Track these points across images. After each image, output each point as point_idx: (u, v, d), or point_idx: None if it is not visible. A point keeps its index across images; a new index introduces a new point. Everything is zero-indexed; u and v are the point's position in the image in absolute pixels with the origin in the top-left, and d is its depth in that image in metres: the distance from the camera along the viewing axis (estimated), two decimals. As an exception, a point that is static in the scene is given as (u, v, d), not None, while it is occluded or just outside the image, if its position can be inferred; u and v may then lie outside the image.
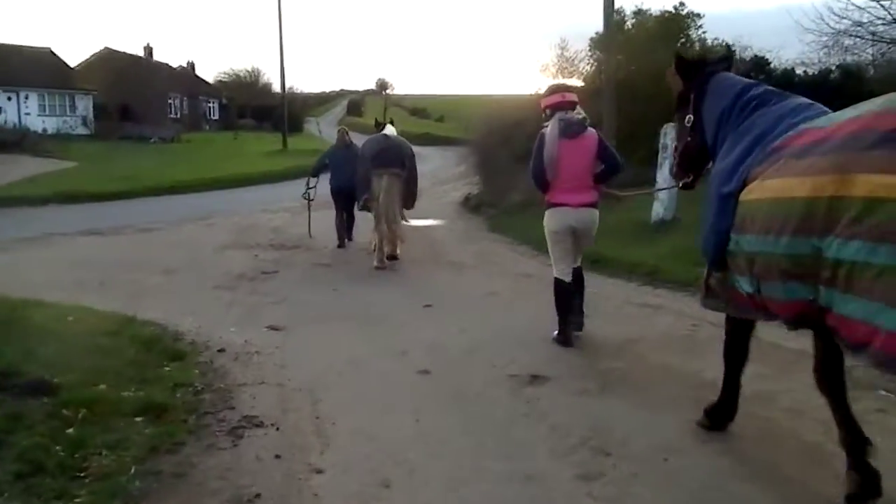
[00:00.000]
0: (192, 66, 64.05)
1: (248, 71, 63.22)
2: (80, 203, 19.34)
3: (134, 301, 7.64)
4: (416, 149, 11.66)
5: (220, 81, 66.30)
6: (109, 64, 45.68)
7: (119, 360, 5.00)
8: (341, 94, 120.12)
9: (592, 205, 5.62)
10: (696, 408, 4.11)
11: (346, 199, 11.18)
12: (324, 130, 62.15)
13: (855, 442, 3.08)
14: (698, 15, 16.79)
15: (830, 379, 3.20)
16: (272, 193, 22.17)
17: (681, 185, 4.22)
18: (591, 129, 5.61)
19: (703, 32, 17.22)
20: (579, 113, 5.60)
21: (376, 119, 11.43)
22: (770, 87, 3.59)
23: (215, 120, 60.26)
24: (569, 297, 5.72)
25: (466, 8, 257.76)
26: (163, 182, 23.63)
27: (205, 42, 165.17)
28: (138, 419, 4.03)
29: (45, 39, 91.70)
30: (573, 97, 5.65)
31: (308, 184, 12.27)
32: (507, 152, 15.91)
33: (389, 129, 10.08)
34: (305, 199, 12.19)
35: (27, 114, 39.04)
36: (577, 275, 5.81)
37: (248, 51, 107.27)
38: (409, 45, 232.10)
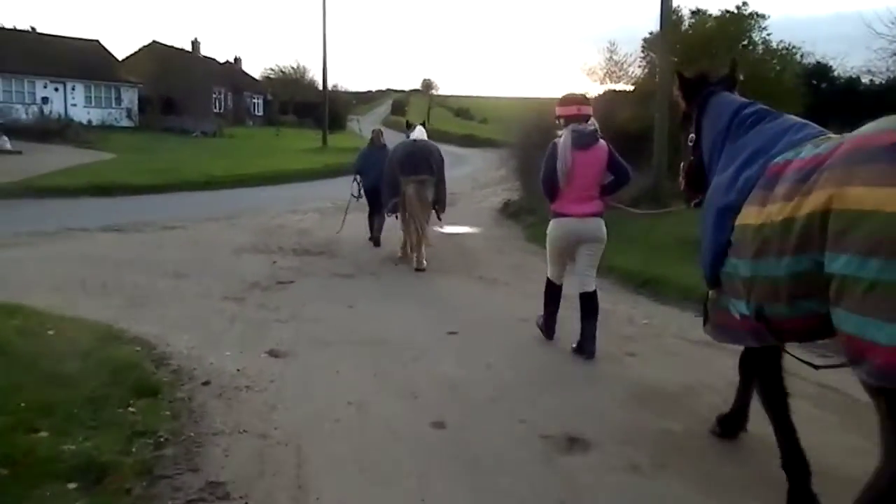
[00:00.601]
0: (238, 61, 64.19)
1: (292, 67, 63.08)
2: (112, 196, 18.88)
3: (132, 309, 6.97)
4: (457, 150, 12.67)
5: (266, 77, 66.38)
6: (156, 57, 45.71)
7: (77, 393, 4.19)
8: (387, 93, 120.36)
9: (598, 214, 5.65)
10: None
11: (378, 199, 11.14)
12: (365, 129, 62.06)
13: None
14: (762, 16, 15.54)
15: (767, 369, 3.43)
16: (306, 192, 21.53)
17: (692, 205, 4.09)
18: (602, 141, 5.63)
19: (768, 34, 16.02)
20: (592, 124, 5.63)
21: (407, 120, 11.41)
22: (764, 107, 3.57)
23: (259, 115, 60.20)
24: (558, 298, 5.97)
25: (514, 9, 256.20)
26: (198, 176, 23.19)
27: (252, 38, 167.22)
28: (72, 485, 3.21)
29: (95, 32, 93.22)
30: (588, 110, 5.67)
31: (355, 179, 11.98)
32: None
33: (419, 131, 9.94)
34: (354, 196, 11.92)
35: (73, 105, 39.15)
36: (592, 301, 5.69)
37: (295, 48, 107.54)
38: (456, 45, 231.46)
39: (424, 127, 10.01)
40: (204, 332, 6.20)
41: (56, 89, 38.54)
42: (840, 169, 2.56)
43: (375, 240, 11.68)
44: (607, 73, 19.07)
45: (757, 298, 2.97)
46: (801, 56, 15.00)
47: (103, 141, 33.14)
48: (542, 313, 6.10)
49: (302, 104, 58.42)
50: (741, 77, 4.16)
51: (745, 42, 15.49)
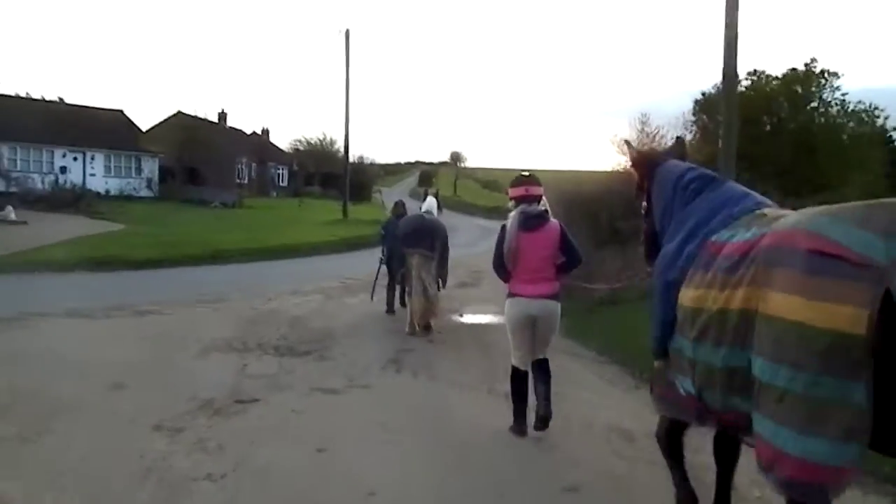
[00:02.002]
0: (266, 132, 63.85)
1: (319, 139, 62.58)
2: (108, 271, 17.24)
3: (11, 447, 4.91)
4: (484, 223, 12.87)
5: (293, 148, 65.98)
6: (180, 127, 45.03)
7: None
8: (415, 165, 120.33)
9: (551, 296, 5.54)
10: None
11: (395, 266, 11.23)
12: (388, 200, 60.91)
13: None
14: (835, 74, 13.50)
15: (725, 450, 3.48)
16: (317, 267, 19.63)
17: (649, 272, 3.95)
18: (553, 221, 5.61)
19: (843, 95, 13.88)
20: (543, 205, 5.61)
21: (424, 189, 14.01)
22: (705, 172, 3.64)
23: (283, 186, 59.30)
24: (525, 387, 5.62)
25: (540, 83, 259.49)
26: (204, 250, 21.48)
27: (281, 110, 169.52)
28: None
29: (122, 103, 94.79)
30: (537, 191, 5.64)
31: (382, 251, 12.07)
32: (589, 233, 12.88)
33: (430, 202, 10.47)
34: (380, 262, 12.05)
35: (92, 175, 38.22)
36: (544, 366, 5.63)
37: (323, 120, 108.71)
38: (484, 118, 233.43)
39: (437, 197, 10.91)
40: (83, 498, 4.10)
41: (75, 158, 37.68)
42: (762, 268, 2.58)
43: (389, 304, 11.67)
44: (639, 143, 18.33)
45: (698, 381, 2.96)
46: (885, 118, 13.01)
47: (118, 211, 31.92)
48: (512, 422, 5.65)
49: (327, 175, 57.46)
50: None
51: (815, 103, 13.44)
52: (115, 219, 29.55)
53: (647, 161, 4.09)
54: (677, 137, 4.46)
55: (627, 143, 4.61)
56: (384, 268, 11.95)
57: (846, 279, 2.27)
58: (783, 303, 2.40)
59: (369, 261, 21.86)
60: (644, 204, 4.04)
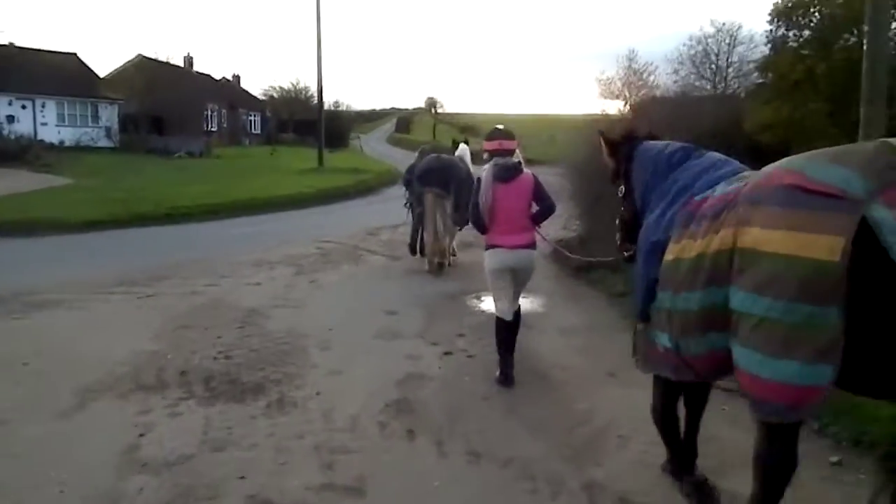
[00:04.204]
0: (237, 78, 58.92)
1: (292, 84, 57.89)
2: (27, 236, 13.49)
3: None
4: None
5: (268, 96, 61.25)
6: (142, 72, 40.28)
7: None
8: (391, 111, 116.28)
9: (528, 246, 5.47)
10: None
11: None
12: (371, 146, 56.66)
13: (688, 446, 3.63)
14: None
15: (693, 399, 3.57)
16: (288, 226, 15.93)
17: (625, 256, 3.96)
18: (527, 172, 5.50)
19: None
20: (517, 158, 5.53)
21: (454, 139, 12.48)
22: (686, 144, 3.58)
23: (256, 134, 54.70)
24: (511, 336, 5.59)
25: (516, 27, 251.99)
26: (160, 207, 17.62)
27: (253, 57, 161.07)
28: None
29: (74, 45, 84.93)
30: (510, 145, 5.52)
31: (405, 195, 11.69)
32: (609, 202, 9.50)
33: (462, 148, 10.68)
34: (406, 207, 11.46)
35: (44, 124, 33.68)
36: (515, 317, 5.57)
37: (297, 66, 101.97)
38: (459, 63, 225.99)
39: (468, 144, 10.26)
40: None
41: (23, 106, 33.06)
42: (742, 208, 2.59)
43: (411, 248, 11.12)
44: (626, 82, 16.50)
45: (675, 332, 3.00)
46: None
47: (69, 164, 27.76)
48: (498, 371, 5.53)
49: (302, 122, 52.93)
50: None
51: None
52: (62, 172, 25.44)
53: (623, 143, 3.93)
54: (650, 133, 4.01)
55: (601, 133, 4.16)
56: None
57: (823, 210, 2.30)
58: (762, 237, 2.42)
59: (350, 217, 18.57)
60: (622, 188, 3.92)
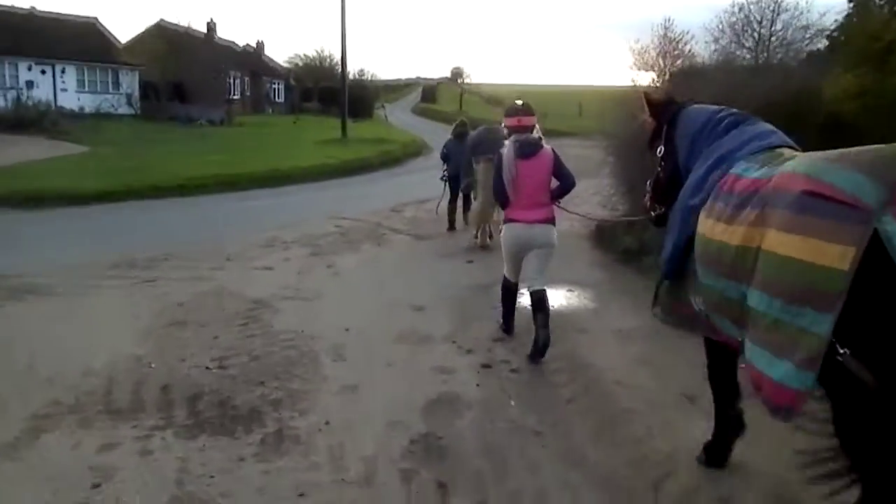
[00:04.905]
0: (261, 46, 57.65)
1: (317, 52, 56.58)
2: (35, 209, 12.61)
3: None
4: None
5: (293, 64, 59.99)
6: (162, 38, 39.19)
7: None
8: (417, 81, 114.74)
9: (546, 221, 5.44)
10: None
11: (456, 185, 11.23)
12: (396, 116, 55.26)
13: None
14: None
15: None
16: (307, 201, 14.92)
17: (653, 215, 3.93)
18: (546, 148, 5.49)
19: None
20: (538, 133, 5.54)
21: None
22: (738, 111, 3.49)
23: (279, 102, 53.47)
24: (514, 295, 5.78)
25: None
26: (173, 179, 16.66)
27: (278, 25, 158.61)
28: None
29: (93, 10, 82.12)
30: (530, 121, 5.52)
31: (443, 169, 11.67)
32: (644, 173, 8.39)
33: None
34: (442, 180, 11.67)
35: (63, 90, 32.76)
36: (541, 296, 5.40)
37: (322, 35, 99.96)
38: (485, 33, 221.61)
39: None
40: None
41: (43, 72, 32.11)
42: (764, 208, 2.59)
43: (451, 222, 11.36)
44: (661, 52, 15.42)
45: (705, 304, 3.03)
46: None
47: (88, 131, 26.86)
48: (501, 321, 5.92)
49: (326, 90, 51.56)
50: None
51: None
52: (80, 140, 24.56)
53: (668, 105, 3.86)
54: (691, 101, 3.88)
55: (645, 93, 4.06)
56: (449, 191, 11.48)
57: (837, 219, 2.30)
58: (778, 239, 2.45)
59: (373, 191, 17.47)
60: (661, 149, 3.78)
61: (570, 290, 7.39)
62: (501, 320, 5.88)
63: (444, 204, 11.53)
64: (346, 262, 8.63)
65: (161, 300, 6.65)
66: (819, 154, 2.59)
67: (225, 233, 10.58)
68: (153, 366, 4.91)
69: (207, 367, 4.87)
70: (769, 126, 3.28)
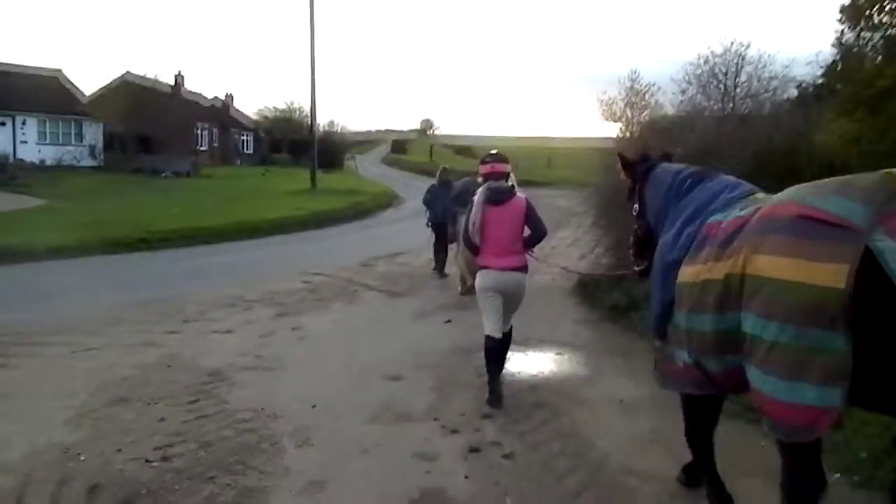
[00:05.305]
0: (230, 98, 57.32)
1: (286, 104, 56.41)
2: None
3: None
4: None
5: (261, 115, 59.63)
6: (128, 92, 38.46)
7: None
8: (386, 133, 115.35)
9: (518, 269, 5.41)
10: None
11: (442, 232, 11.30)
12: (366, 167, 54.91)
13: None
14: None
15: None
16: (274, 255, 14.19)
17: (638, 271, 4.05)
18: (519, 196, 5.51)
19: None
20: (511, 182, 5.51)
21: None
22: (700, 168, 3.65)
23: (248, 154, 52.86)
24: (498, 354, 5.53)
25: (510, 52, 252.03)
26: (134, 232, 15.86)
27: (244, 78, 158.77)
28: None
29: (57, 63, 79.87)
30: (503, 168, 5.52)
31: (427, 215, 11.67)
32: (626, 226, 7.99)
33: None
34: (428, 226, 11.62)
35: (24, 142, 31.85)
36: (505, 336, 5.52)
37: (291, 88, 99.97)
38: (455, 86, 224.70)
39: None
40: None
41: (2, 123, 31.24)
42: (752, 236, 2.63)
43: (440, 270, 11.35)
44: (628, 103, 16.48)
45: (694, 350, 3.00)
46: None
47: (48, 184, 25.98)
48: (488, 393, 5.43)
49: (296, 142, 51.17)
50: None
51: None
52: (38, 193, 23.63)
53: (639, 163, 4.02)
54: (665, 152, 4.25)
55: (620, 154, 4.25)
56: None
57: (828, 240, 2.34)
58: (771, 264, 2.46)
59: (343, 244, 16.80)
60: (636, 207, 3.99)
61: (559, 354, 6.77)
62: (489, 391, 5.35)
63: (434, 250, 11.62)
64: (314, 324, 7.91)
65: (103, 373, 5.87)
66: (805, 185, 2.64)
67: (184, 290, 9.83)
68: (82, 458, 4.14)
69: (147, 461, 4.11)
70: (733, 178, 3.41)
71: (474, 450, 4.36)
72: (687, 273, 3.04)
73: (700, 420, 3.54)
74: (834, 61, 9.90)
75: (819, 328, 2.31)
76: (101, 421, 4.78)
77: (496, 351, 5.45)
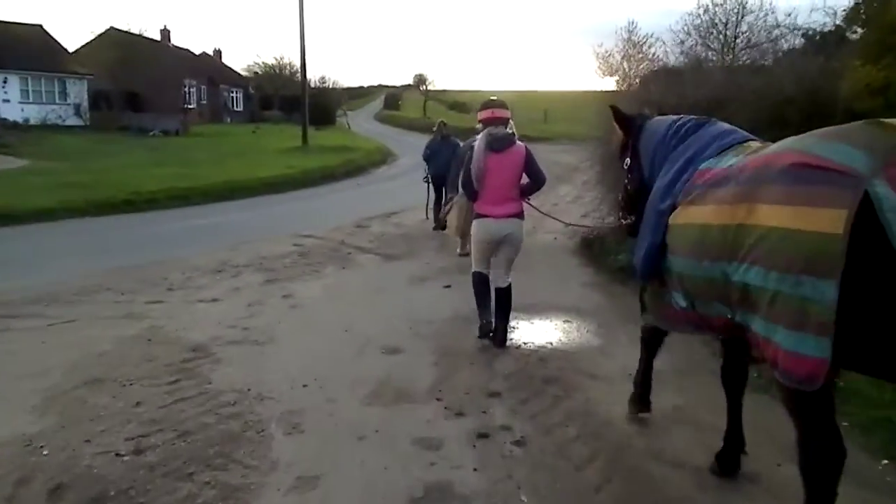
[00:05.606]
0: (218, 53, 55.95)
1: (276, 59, 55.07)
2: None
3: None
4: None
5: (251, 71, 58.32)
6: (114, 45, 37.35)
7: None
8: (379, 88, 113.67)
9: (515, 215, 5.42)
10: None
11: (442, 185, 10.86)
12: (358, 123, 53.90)
13: (733, 435, 3.50)
14: None
15: (733, 380, 3.50)
16: (264, 216, 13.67)
17: (625, 225, 4.02)
18: (519, 144, 5.44)
19: None
20: (511, 129, 5.45)
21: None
22: (697, 117, 3.55)
23: (238, 111, 51.80)
24: (487, 288, 5.57)
25: (504, 3, 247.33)
26: (120, 193, 15.29)
27: (233, 32, 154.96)
28: None
29: (39, 17, 74.72)
30: (503, 114, 5.43)
31: (426, 169, 11.59)
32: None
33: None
34: (425, 182, 11.64)
35: (6, 101, 30.88)
36: (504, 292, 5.51)
37: (282, 42, 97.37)
38: (449, 39, 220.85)
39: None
40: None
41: (-16, 82, 30.32)
42: (749, 185, 2.57)
43: (440, 223, 10.75)
44: (624, 55, 15.19)
45: (688, 293, 3.02)
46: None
47: (32, 143, 25.27)
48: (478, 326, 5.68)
49: (287, 98, 50.18)
50: None
51: None
52: (21, 153, 22.95)
53: (635, 118, 3.98)
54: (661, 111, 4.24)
55: (613, 107, 4.09)
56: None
57: (827, 185, 2.26)
58: (770, 213, 2.41)
59: (336, 203, 16.27)
60: (628, 160, 3.92)
61: (567, 322, 6.33)
62: (480, 325, 5.62)
63: (431, 206, 11.59)
64: (306, 291, 7.45)
65: (78, 348, 5.42)
66: (803, 134, 2.54)
67: (170, 255, 9.36)
68: (45, 453, 3.70)
69: (118, 454, 3.67)
70: (727, 126, 3.35)
71: (482, 435, 3.93)
72: (680, 216, 3.05)
73: (655, 351, 4.00)
74: (856, 4, 9.28)
75: (815, 276, 2.24)
76: (70, 406, 4.33)
77: (485, 285, 5.58)
